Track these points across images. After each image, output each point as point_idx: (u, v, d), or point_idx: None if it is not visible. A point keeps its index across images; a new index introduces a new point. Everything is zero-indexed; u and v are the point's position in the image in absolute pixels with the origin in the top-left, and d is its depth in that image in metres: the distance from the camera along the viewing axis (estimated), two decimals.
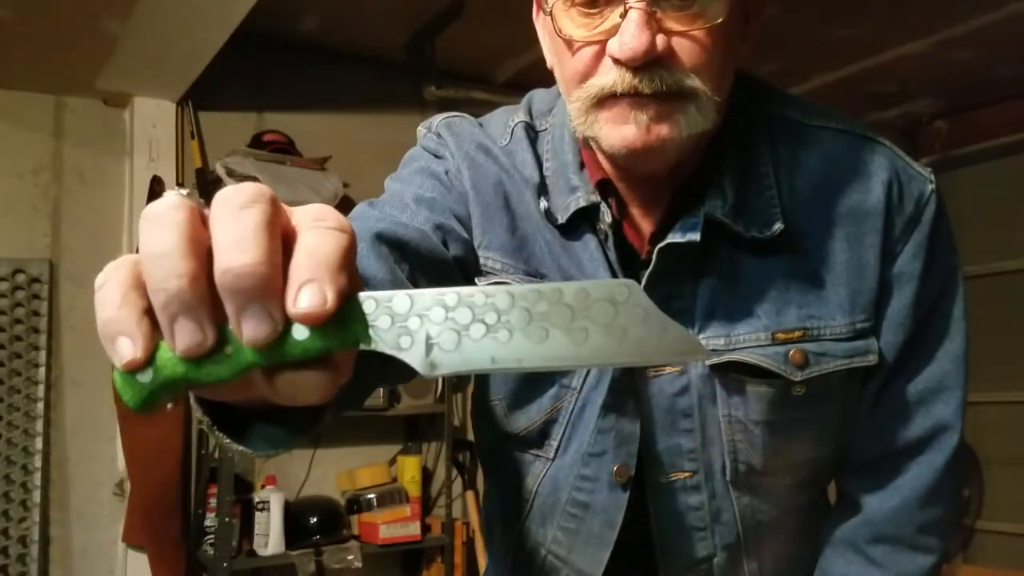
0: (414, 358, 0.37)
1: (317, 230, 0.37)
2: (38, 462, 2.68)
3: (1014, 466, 3.52)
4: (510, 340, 0.36)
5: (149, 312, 0.36)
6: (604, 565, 0.82)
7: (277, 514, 2.69)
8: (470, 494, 3.17)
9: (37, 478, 2.68)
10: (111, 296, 0.35)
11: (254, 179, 2.72)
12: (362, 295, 0.37)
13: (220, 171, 2.78)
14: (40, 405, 2.71)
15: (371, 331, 0.37)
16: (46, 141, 2.85)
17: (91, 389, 2.81)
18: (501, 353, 0.36)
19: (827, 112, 0.84)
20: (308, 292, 0.35)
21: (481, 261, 0.80)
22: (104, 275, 0.36)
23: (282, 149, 2.94)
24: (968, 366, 0.83)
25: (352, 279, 0.37)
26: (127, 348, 0.35)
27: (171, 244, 0.34)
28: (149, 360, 0.36)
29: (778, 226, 0.76)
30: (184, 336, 0.35)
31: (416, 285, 0.68)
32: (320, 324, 0.35)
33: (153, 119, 2.91)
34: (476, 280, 0.80)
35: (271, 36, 3.05)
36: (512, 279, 0.79)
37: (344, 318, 0.36)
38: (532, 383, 0.82)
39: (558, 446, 0.83)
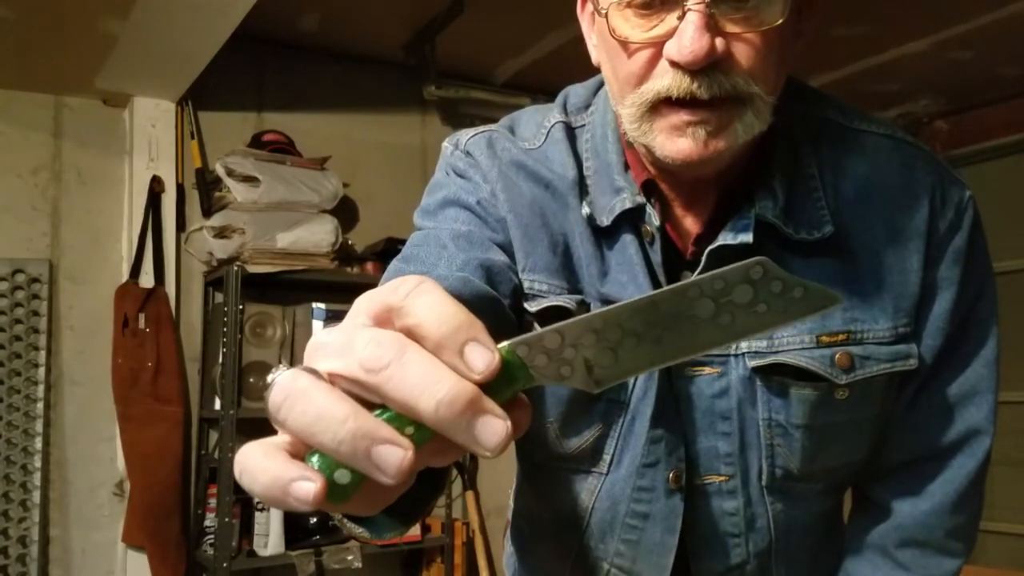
0: (577, 382, 0.39)
1: (422, 301, 0.37)
2: (38, 462, 2.68)
3: (1014, 466, 3.52)
4: (662, 342, 0.38)
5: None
6: (669, 571, 0.81)
7: (277, 514, 2.69)
8: (470, 494, 3.16)
9: (37, 478, 2.68)
10: (269, 463, 0.36)
11: (254, 179, 2.72)
12: (512, 342, 0.38)
13: (220, 171, 2.77)
14: (40, 405, 2.70)
15: (531, 371, 0.38)
16: (46, 141, 2.85)
17: (91, 389, 2.80)
18: (656, 355, 0.38)
19: (866, 115, 0.83)
20: (475, 355, 0.36)
21: (527, 285, 0.78)
22: (246, 458, 0.36)
23: (282, 149, 2.93)
24: (999, 370, 0.83)
25: None
26: (309, 489, 0.35)
27: (322, 406, 0.35)
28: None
29: (828, 228, 0.76)
30: (389, 462, 0.35)
31: None
32: (495, 376, 0.36)
33: (153, 119, 2.90)
34: (525, 304, 0.78)
35: (271, 36, 3.05)
36: (559, 300, 0.78)
37: (505, 365, 0.37)
38: (582, 404, 0.80)
39: (611, 460, 0.81)
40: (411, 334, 0.37)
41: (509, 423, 0.36)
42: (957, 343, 0.81)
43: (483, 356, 0.36)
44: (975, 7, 2.85)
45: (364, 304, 0.39)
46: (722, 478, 0.80)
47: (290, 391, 0.36)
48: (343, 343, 0.37)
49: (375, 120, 3.32)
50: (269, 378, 0.37)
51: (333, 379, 0.37)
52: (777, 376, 0.77)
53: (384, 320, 0.38)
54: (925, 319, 0.80)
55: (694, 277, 0.38)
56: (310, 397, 0.35)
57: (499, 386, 0.37)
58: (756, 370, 0.77)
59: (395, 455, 0.35)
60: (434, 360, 0.36)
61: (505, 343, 0.38)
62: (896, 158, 0.80)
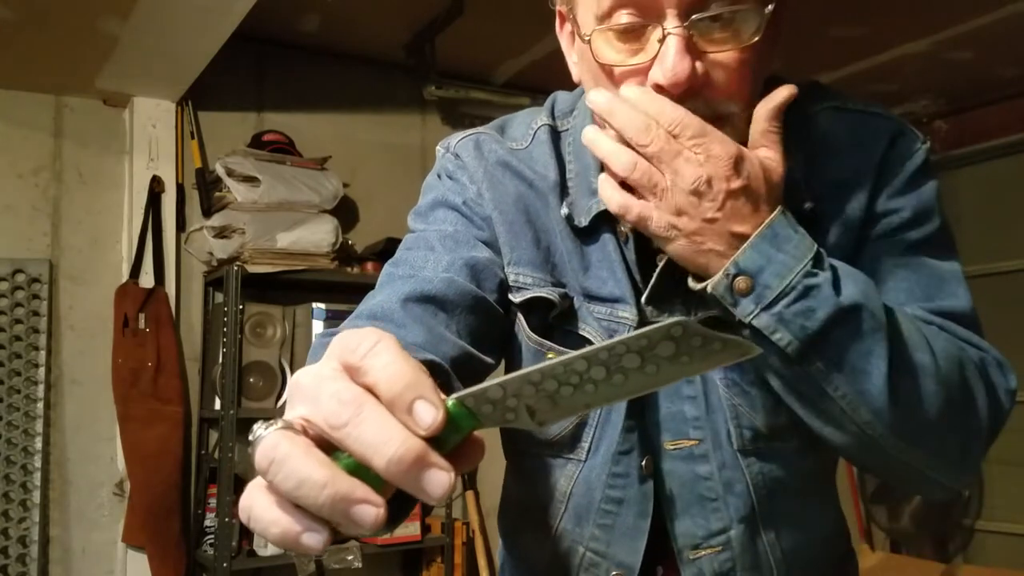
0: (521, 424, 0.45)
1: (377, 362, 0.43)
2: (38, 462, 2.68)
3: (1014, 466, 3.52)
4: (596, 390, 0.44)
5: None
6: (642, 553, 0.84)
7: None
8: (470, 494, 3.17)
9: (37, 478, 2.68)
10: (277, 515, 0.41)
11: (254, 179, 2.73)
12: (459, 395, 0.43)
13: (220, 171, 2.78)
14: (40, 405, 2.71)
15: (479, 417, 0.44)
16: (46, 141, 2.85)
17: (91, 389, 2.81)
18: (592, 399, 0.44)
19: (825, 92, 0.87)
20: (422, 412, 0.41)
21: (512, 278, 0.83)
22: (251, 503, 0.42)
23: (282, 149, 2.93)
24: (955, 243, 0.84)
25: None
26: (319, 540, 0.41)
27: (303, 474, 0.40)
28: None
29: (808, 205, 0.79)
30: (365, 519, 0.40)
31: (456, 331, 0.74)
32: (441, 429, 0.42)
33: (153, 119, 2.90)
34: (511, 296, 0.83)
35: (271, 36, 3.05)
36: (542, 292, 0.82)
37: (451, 417, 0.43)
38: None
39: (589, 448, 0.85)
40: (369, 391, 0.42)
41: (452, 473, 0.41)
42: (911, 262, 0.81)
43: (429, 413, 0.41)
44: (974, 7, 2.85)
45: (337, 351, 0.44)
46: (692, 442, 0.82)
47: (273, 458, 0.40)
48: (314, 391, 0.43)
49: (375, 120, 3.32)
50: (252, 435, 0.42)
51: (306, 426, 0.42)
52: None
53: (350, 371, 0.43)
54: (862, 248, 0.81)
55: (625, 336, 0.43)
56: (291, 464, 0.40)
57: (447, 433, 0.42)
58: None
59: (369, 513, 0.40)
60: (387, 418, 0.41)
61: (453, 396, 0.43)
62: (852, 126, 0.83)
